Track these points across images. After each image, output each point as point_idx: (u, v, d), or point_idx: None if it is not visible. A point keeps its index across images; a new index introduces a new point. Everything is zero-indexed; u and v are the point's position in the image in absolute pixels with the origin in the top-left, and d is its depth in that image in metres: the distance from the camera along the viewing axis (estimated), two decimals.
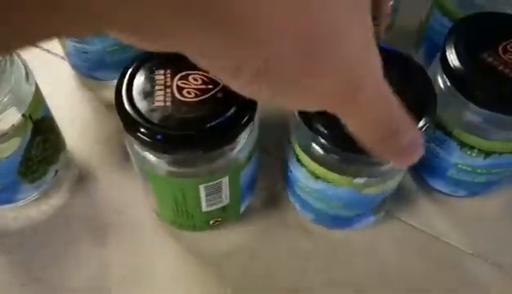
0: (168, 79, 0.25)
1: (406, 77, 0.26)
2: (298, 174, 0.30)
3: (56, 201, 0.34)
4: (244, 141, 0.27)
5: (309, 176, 0.29)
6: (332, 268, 0.32)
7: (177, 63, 0.26)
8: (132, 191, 0.34)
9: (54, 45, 0.40)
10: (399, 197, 0.35)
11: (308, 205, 0.32)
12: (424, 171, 0.34)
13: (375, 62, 0.17)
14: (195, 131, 0.24)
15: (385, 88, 0.18)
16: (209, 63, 0.16)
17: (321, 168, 0.28)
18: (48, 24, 0.13)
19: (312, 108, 0.19)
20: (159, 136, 0.24)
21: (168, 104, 0.24)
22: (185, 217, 0.30)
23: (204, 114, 0.24)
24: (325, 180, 0.28)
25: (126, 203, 0.34)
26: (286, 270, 0.32)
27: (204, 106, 0.24)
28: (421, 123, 0.25)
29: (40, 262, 0.32)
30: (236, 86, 0.17)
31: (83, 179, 0.35)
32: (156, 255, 0.33)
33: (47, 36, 0.14)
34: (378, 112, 0.18)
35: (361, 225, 0.33)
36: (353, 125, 0.19)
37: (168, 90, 0.25)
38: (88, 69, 0.38)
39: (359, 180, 0.27)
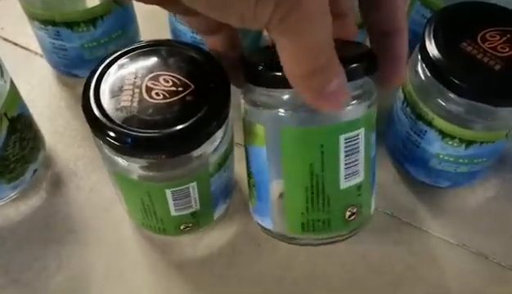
0: (139, 79, 0.24)
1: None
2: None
3: (35, 201, 0.34)
4: (214, 148, 0.26)
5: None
6: (314, 261, 0.32)
7: (149, 63, 0.25)
8: (112, 190, 0.33)
9: (32, 42, 0.39)
10: (382, 188, 0.35)
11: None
12: (407, 161, 0.34)
13: None
14: (159, 134, 0.23)
15: (324, 16, 0.17)
16: None
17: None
18: None
19: (240, 22, 0.18)
20: (120, 138, 0.23)
21: (135, 105, 0.23)
22: (154, 221, 0.29)
23: (170, 117, 0.23)
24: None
25: (106, 203, 0.34)
26: (264, 277, 0.32)
27: (171, 109, 0.23)
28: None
29: (19, 264, 0.31)
30: None
31: (62, 178, 0.35)
32: (134, 256, 0.32)
33: None
34: (310, 39, 0.17)
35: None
36: (284, 50, 0.18)
37: (137, 90, 0.24)
38: (67, 67, 0.38)
39: None
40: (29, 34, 0.37)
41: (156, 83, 0.24)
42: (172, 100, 0.24)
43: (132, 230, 0.33)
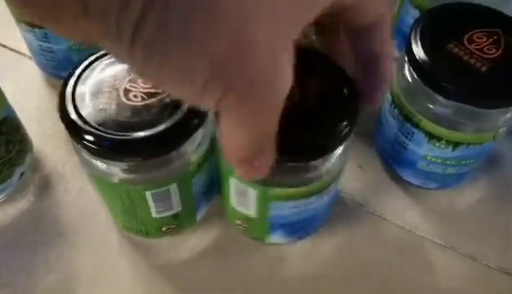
0: (117, 82, 0.24)
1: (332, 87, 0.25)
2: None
3: (22, 204, 0.34)
4: (193, 148, 0.26)
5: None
6: (304, 263, 0.32)
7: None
8: None
9: (22, 44, 0.39)
10: (371, 189, 0.35)
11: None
12: (395, 163, 0.34)
13: (281, 75, 0.16)
14: (136, 137, 0.23)
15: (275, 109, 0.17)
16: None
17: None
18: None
19: (188, 97, 0.18)
20: (97, 142, 0.23)
21: (113, 107, 0.23)
22: (135, 223, 0.29)
23: (148, 119, 0.23)
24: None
25: (94, 205, 0.33)
26: (250, 279, 0.31)
27: (149, 111, 0.23)
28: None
29: (7, 267, 0.31)
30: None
31: (51, 181, 0.35)
32: (122, 258, 0.32)
33: None
34: (253, 129, 0.18)
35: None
36: (227, 130, 0.18)
37: (115, 93, 0.24)
38: (55, 69, 0.38)
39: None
40: (18, 37, 0.37)
41: (134, 85, 0.24)
42: (150, 101, 0.24)
43: (120, 232, 0.33)
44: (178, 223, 0.30)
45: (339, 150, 0.25)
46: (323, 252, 0.32)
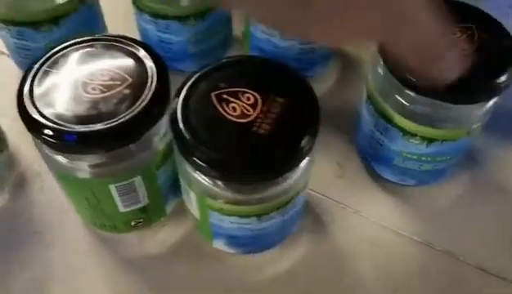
0: (75, 75, 0.24)
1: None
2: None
3: None
4: (157, 140, 0.25)
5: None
6: (279, 261, 0.32)
7: (86, 58, 0.25)
8: None
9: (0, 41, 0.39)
10: (349, 186, 0.35)
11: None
12: (373, 160, 0.34)
13: None
14: (95, 129, 0.22)
15: (427, 17, 0.20)
16: None
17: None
18: None
19: (357, 39, 0.22)
20: (56, 136, 0.22)
21: (71, 101, 0.23)
22: (103, 218, 0.29)
23: (107, 111, 0.23)
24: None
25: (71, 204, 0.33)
26: (220, 274, 0.31)
27: (108, 103, 0.23)
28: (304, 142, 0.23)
29: None
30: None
31: (26, 179, 0.35)
32: (97, 255, 0.32)
33: None
34: (421, 37, 0.20)
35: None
36: (400, 51, 0.21)
37: (73, 86, 0.24)
38: None
39: None
40: None
41: (93, 78, 0.24)
42: (109, 93, 0.23)
43: (92, 229, 0.33)
44: (147, 216, 0.30)
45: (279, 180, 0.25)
46: (299, 250, 0.32)
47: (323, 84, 0.40)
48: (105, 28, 0.39)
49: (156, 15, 0.35)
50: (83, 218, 0.32)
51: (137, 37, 0.39)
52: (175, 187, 0.30)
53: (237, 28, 0.41)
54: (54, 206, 0.33)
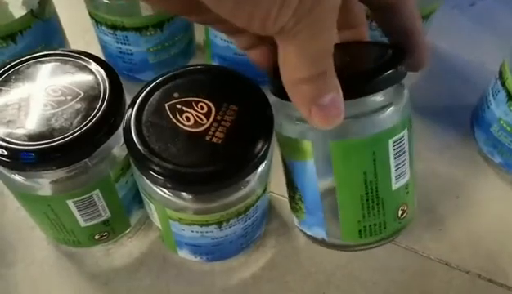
0: (26, 92, 0.24)
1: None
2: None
3: None
4: (115, 151, 0.25)
5: None
6: (247, 267, 0.32)
7: (37, 74, 0.25)
8: None
9: None
10: None
11: None
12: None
13: None
14: (48, 145, 0.22)
15: (333, 24, 0.18)
16: None
17: None
18: None
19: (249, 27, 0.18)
20: (8, 154, 0.22)
21: (22, 118, 0.23)
22: (65, 234, 0.29)
23: (58, 127, 0.23)
24: None
25: (32, 221, 0.33)
26: (188, 285, 0.31)
27: (60, 118, 0.23)
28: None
29: None
30: None
31: None
32: (61, 273, 0.32)
33: None
34: (317, 44, 0.18)
35: None
36: (287, 55, 0.19)
37: (24, 103, 0.24)
38: None
39: None
40: None
41: (44, 94, 0.24)
42: (60, 109, 0.23)
43: (56, 245, 0.32)
44: (111, 229, 0.30)
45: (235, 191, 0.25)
46: (265, 254, 0.32)
47: None
48: (65, 42, 0.39)
49: (114, 27, 0.35)
50: (46, 234, 0.32)
51: (98, 49, 0.39)
52: (138, 198, 0.30)
53: (199, 37, 0.41)
54: (16, 225, 0.33)
